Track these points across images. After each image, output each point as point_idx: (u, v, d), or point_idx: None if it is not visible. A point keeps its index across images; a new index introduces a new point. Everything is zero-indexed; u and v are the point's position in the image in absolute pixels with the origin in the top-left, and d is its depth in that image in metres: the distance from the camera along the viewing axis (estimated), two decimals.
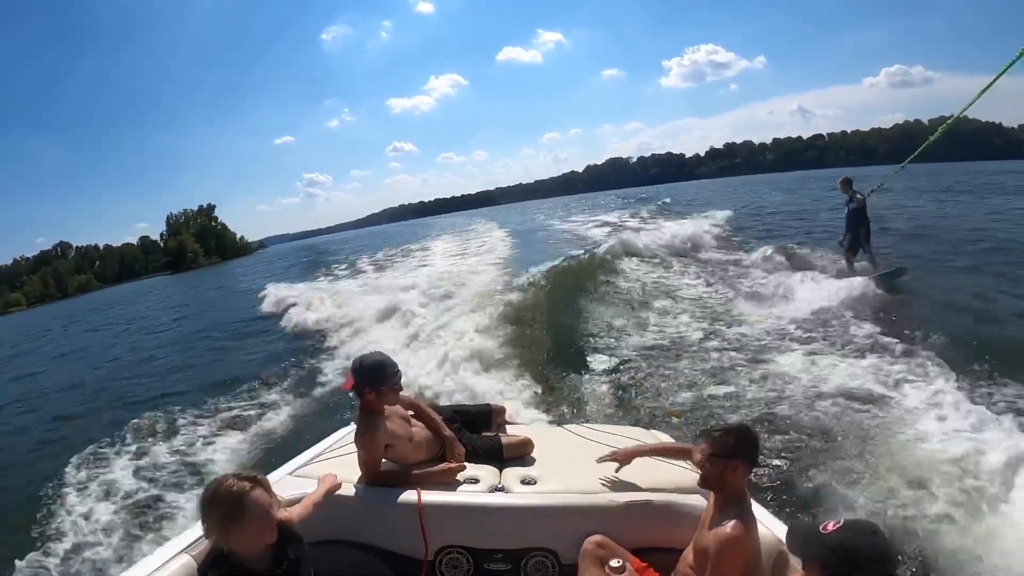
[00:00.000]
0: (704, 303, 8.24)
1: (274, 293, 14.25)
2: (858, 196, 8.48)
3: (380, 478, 2.09)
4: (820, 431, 4.07)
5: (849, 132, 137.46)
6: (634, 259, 11.64)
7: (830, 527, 1.17)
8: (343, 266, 20.43)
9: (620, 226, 18.50)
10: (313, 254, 30.77)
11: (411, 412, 2.31)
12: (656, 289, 9.47)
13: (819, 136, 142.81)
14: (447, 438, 2.27)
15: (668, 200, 30.18)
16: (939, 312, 6.69)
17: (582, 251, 12.76)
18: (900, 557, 2.65)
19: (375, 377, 2.10)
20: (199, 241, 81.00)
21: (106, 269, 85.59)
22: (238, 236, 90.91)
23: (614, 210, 27.29)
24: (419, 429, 2.26)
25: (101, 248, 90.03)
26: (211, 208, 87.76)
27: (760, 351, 5.91)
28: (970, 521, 2.94)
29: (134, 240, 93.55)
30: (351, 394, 2.14)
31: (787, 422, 4.28)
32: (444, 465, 2.15)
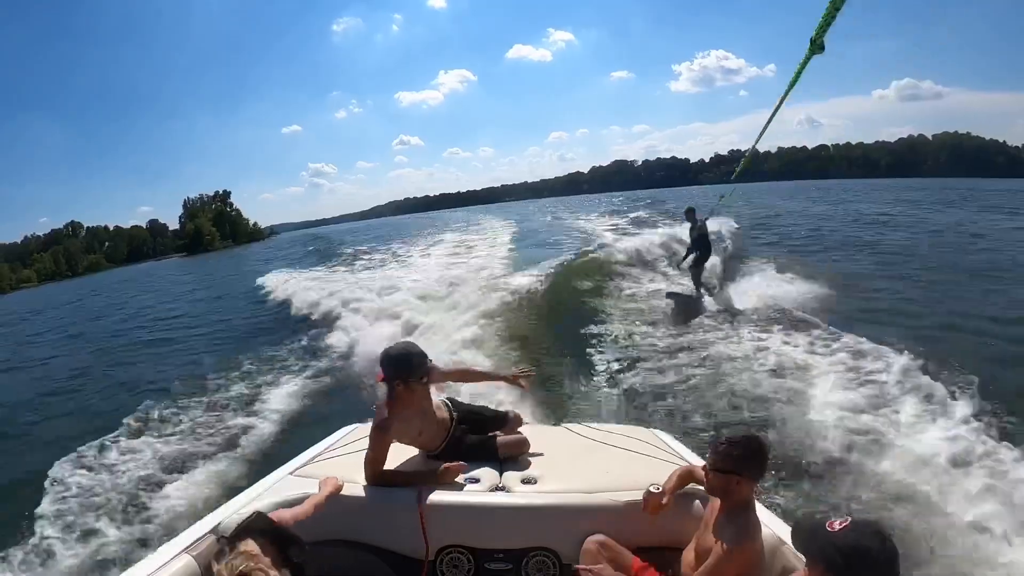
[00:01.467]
0: (702, 305, 8.40)
1: (280, 284, 14.20)
2: (698, 224, 8.88)
3: (382, 478, 2.10)
4: (819, 432, 4.15)
5: (853, 143, 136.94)
6: (635, 261, 11.60)
7: (836, 525, 1.15)
8: (349, 257, 20.38)
9: (624, 227, 18.53)
10: (322, 243, 30.66)
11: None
12: (656, 290, 9.57)
13: (823, 147, 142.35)
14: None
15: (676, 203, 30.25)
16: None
17: (583, 251, 12.80)
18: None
19: (401, 368, 2.10)
20: (215, 225, 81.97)
21: (116, 250, 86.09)
22: (251, 222, 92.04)
23: (619, 212, 27.26)
24: (429, 424, 2.27)
25: (111, 229, 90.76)
26: (227, 194, 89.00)
27: (753, 351, 6.06)
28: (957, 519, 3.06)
29: (138, 223, 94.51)
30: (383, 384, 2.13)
31: (787, 421, 4.36)
32: (444, 465, 2.14)
